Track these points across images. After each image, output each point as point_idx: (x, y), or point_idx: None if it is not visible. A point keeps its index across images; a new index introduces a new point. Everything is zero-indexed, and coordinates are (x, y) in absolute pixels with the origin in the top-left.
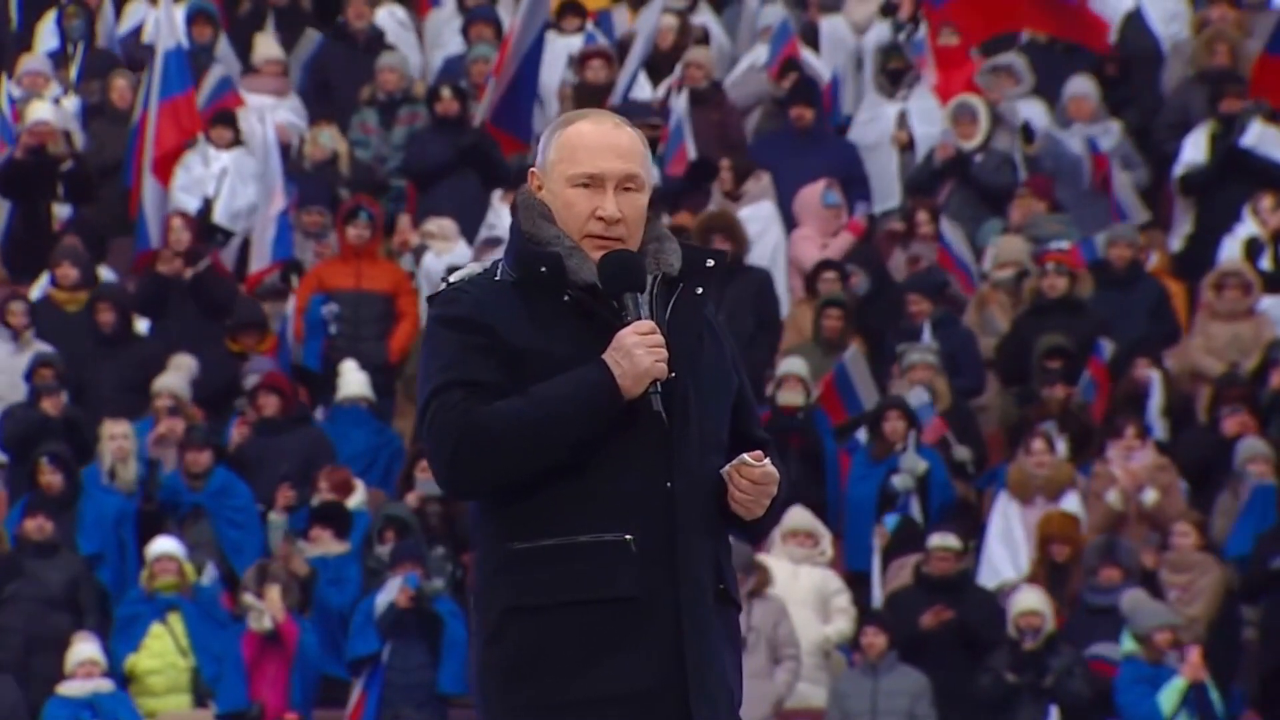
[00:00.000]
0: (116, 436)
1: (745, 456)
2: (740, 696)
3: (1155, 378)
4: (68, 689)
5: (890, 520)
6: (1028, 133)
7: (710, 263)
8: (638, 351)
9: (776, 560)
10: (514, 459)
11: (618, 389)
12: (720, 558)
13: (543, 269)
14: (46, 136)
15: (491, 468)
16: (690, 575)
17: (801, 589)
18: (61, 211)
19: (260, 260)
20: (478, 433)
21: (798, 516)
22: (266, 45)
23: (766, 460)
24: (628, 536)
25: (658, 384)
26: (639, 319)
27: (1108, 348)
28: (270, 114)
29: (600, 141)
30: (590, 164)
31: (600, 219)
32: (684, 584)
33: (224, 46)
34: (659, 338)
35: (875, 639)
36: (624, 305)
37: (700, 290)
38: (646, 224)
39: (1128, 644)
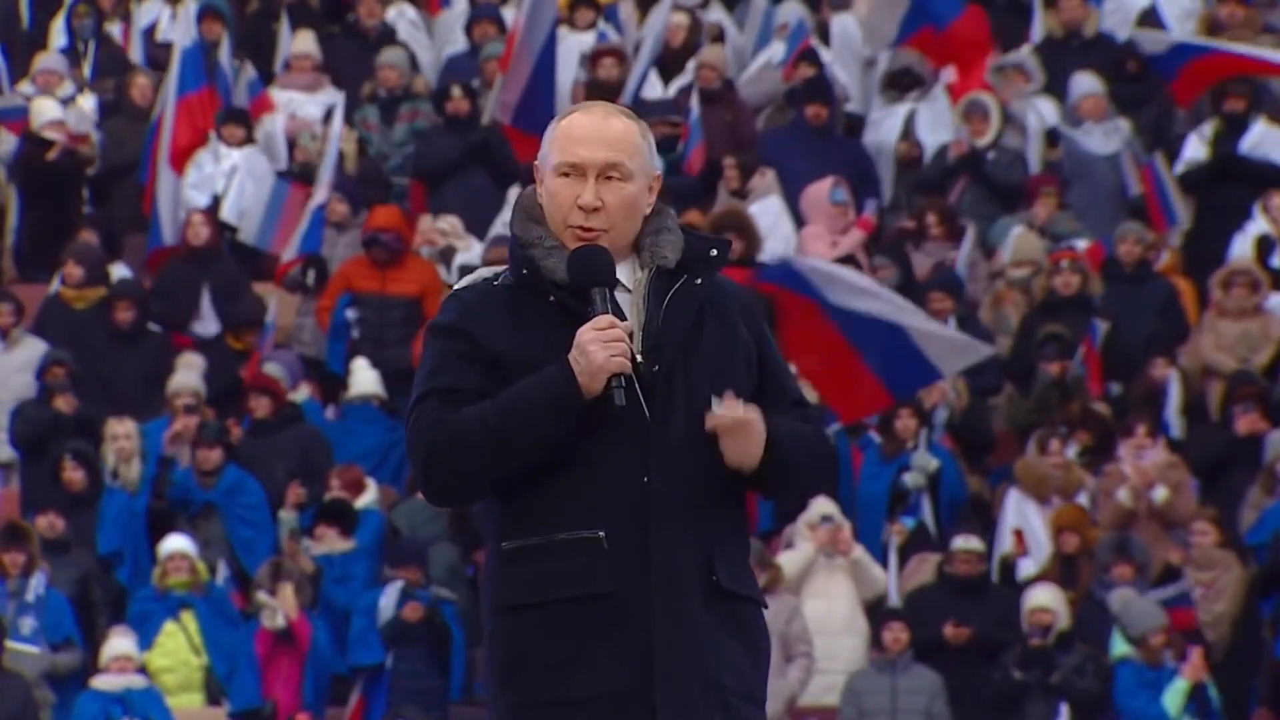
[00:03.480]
0: (119, 436)
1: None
2: (744, 690)
3: (1173, 376)
4: (101, 683)
5: (909, 520)
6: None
7: (714, 252)
8: (592, 348)
9: (817, 563)
10: (485, 463)
11: (579, 387)
12: (714, 550)
13: (524, 271)
14: (81, 141)
15: (464, 474)
16: (665, 570)
17: (839, 589)
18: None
19: (290, 252)
20: (448, 440)
21: (819, 504)
22: (299, 40)
23: (737, 405)
24: (600, 533)
25: (622, 379)
26: (603, 314)
27: (1101, 328)
28: (300, 109)
29: (587, 131)
30: (572, 153)
31: (580, 208)
32: (658, 579)
33: (225, 45)
34: (618, 332)
35: (900, 635)
36: (591, 301)
37: (700, 280)
38: (651, 215)
39: (1121, 646)
